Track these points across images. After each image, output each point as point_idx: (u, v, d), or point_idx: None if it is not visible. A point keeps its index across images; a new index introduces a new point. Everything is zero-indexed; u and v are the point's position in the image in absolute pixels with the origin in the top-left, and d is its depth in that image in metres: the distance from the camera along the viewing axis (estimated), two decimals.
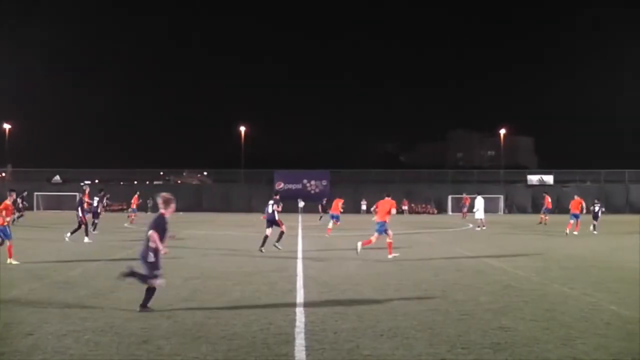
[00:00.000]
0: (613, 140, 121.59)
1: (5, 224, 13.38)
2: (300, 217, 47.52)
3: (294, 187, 62.85)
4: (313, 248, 18.24)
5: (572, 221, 24.44)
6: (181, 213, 45.98)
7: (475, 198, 30.44)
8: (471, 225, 32.25)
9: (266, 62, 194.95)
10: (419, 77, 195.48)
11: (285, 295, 9.56)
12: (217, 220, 38.82)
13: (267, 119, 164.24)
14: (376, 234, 15.23)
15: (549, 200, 37.08)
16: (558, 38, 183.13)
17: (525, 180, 62.96)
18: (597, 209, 26.83)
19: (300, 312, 8.12)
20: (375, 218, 15.49)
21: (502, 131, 71.54)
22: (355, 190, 58.77)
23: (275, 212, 17.42)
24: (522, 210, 59.21)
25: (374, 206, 15.85)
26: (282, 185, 63.25)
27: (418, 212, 58.63)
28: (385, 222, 15.17)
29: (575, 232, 24.03)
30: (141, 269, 7.98)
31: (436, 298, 9.33)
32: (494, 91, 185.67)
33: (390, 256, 14.87)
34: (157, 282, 7.93)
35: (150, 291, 8.01)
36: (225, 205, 59.34)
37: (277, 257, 15.30)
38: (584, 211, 25.59)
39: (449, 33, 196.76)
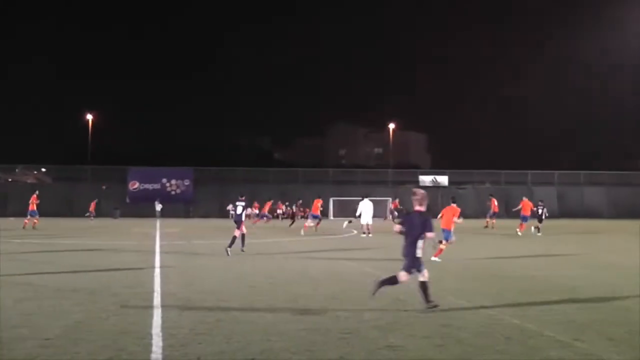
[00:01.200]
0: (516, 140, 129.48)
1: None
2: (158, 222, 46.29)
3: (151, 187, 61.35)
4: (173, 258, 17.69)
5: (523, 223, 27.61)
6: (12, 218, 43.29)
7: (361, 200, 31.08)
8: (355, 232, 32.86)
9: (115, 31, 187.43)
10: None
11: (138, 315, 9.10)
12: (57, 227, 36.81)
13: (119, 107, 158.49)
14: (444, 242, 17.43)
15: (496, 203, 39.33)
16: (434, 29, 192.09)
17: (417, 181, 64.92)
18: (540, 211, 29.85)
19: (157, 335, 7.78)
20: (441, 224, 17.38)
21: (391, 126, 73.71)
22: (222, 190, 58.27)
23: (244, 215, 19.65)
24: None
25: (440, 213, 18.27)
26: (136, 185, 61.42)
27: (294, 216, 59.12)
28: (450, 229, 17.54)
29: (519, 233, 27.13)
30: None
31: (315, 315, 9.25)
32: (382, 80, 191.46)
33: (434, 258, 16.74)
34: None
35: (424, 286, 9.42)
36: (67, 209, 56.62)
37: (130, 269, 14.77)
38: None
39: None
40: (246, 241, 19.59)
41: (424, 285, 9.56)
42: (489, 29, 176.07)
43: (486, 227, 37.21)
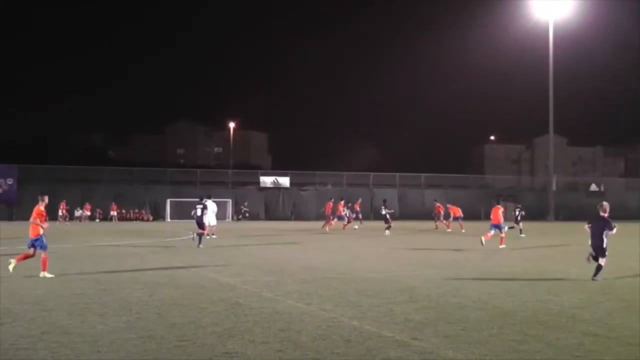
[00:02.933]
0: (358, 142, 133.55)
1: (42, 233, 14.13)
2: None
3: None
4: None
5: (491, 232, 24.59)
6: None
7: (203, 201, 30.76)
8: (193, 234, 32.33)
9: None
10: (134, 53, 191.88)
11: None
12: None
13: None
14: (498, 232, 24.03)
15: (442, 208, 42.24)
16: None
17: (258, 182, 64.99)
18: (517, 212, 32.69)
19: None
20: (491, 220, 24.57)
21: (231, 125, 73.38)
22: (51, 190, 55.22)
23: (204, 216, 23.53)
24: (253, 216, 60.89)
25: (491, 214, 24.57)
26: None
27: (130, 219, 57.43)
28: (499, 223, 24.32)
29: (502, 245, 23.96)
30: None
31: (150, 322, 9.01)
32: (223, 79, 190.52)
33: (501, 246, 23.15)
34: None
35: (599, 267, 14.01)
36: None
37: None
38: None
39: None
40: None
41: (599, 267, 14.11)
42: (333, 30, 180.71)
43: (436, 228, 40.57)
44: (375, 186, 66.66)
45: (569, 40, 76.85)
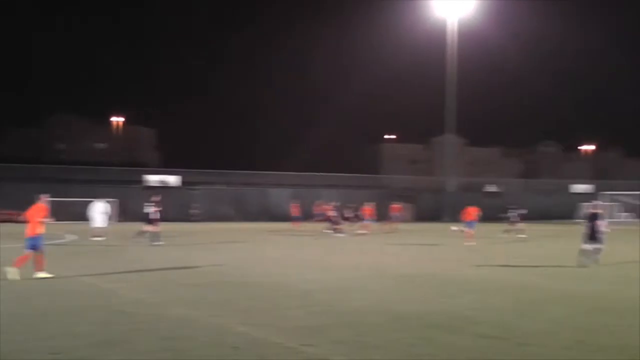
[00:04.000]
0: (251, 140, 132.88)
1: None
2: None
3: None
4: None
5: (467, 230, 29.29)
6: None
7: (93, 203, 30.40)
8: (75, 237, 31.37)
9: None
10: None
11: None
12: None
13: None
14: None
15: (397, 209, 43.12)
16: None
17: (144, 180, 63.56)
18: (508, 213, 34.55)
19: None
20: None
21: (117, 119, 71.43)
22: None
23: (154, 213, 25.17)
24: (138, 217, 59.43)
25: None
26: None
27: (4, 221, 54.93)
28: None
29: (472, 243, 27.73)
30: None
31: (20, 334, 8.63)
32: (110, 70, 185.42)
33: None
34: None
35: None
36: None
37: None
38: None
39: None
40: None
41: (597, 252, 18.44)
42: (220, 29, 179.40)
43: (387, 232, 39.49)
44: (270, 186, 66.55)
45: (469, 40, 79.15)
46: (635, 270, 17.37)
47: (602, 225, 18.78)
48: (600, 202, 20.54)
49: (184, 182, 63.39)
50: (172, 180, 63.23)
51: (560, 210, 76.95)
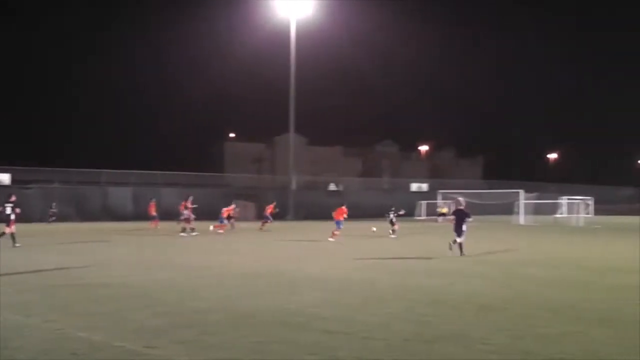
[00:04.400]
0: (91, 137, 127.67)
1: None
2: None
3: None
4: None
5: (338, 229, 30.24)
6: None
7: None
8: None
9: None
10: None
11: None
12: None
13: None
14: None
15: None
16: None
17: None
18: (391, 215, 34.76)
19: None
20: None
21: None
22: None
23: (10, 214, 24.62)
24: None
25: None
26: None
27: None
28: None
29: (331, 239, 29.07)
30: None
31: None
32: None
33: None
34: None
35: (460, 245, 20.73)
36: None
37: None
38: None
39: None
40: None
41: (461, 245, 20.94)
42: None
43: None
44: (108, 184, 64.44)
45: (311, 40, 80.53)
46: (474, 265, 18.38)
47: (468, 220, 21.31)
48: (462, 199, 22.40)
49: (15, 181, 60.05)
50: (3, 178, 59.70)
51: (399, 208, 79.95)
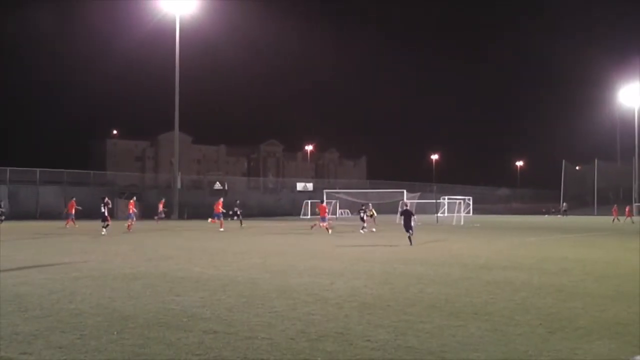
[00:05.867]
0: None
1: None
2: None
3: None
4: None
5: (323, 223, 36.40)
6: None
7: None
8: None
9: None
10: None
11: None
12: None
13: None
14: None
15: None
16: None
17: None
18: (362, 214, 38.33)
19: None
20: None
21: None
22: None
23: None
24: None
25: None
26: None
27: None
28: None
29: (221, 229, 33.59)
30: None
31: None
32: None
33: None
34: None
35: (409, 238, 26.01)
36: None
37: None
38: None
39: None
40: None
41: (409, 238, 25.80)
42: None
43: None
44: (14, 182, 61.43)
45: (196, 37, 79.75)
46: (356, 264, 18.70)
47: (414, 217, 27.14)
48: (408, 201, 27.64)
49: None
50: None
51: (284, 208, 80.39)
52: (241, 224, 44.99)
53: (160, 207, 41.45)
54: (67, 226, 41.38)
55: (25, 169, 63.56)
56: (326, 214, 38.70)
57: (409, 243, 25.67)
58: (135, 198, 41.90)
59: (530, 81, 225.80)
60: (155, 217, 50.15)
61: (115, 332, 8.79)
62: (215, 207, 41.16)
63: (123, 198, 39.49)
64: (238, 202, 47.09)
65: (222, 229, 38.29)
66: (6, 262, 18.82)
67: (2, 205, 51.32)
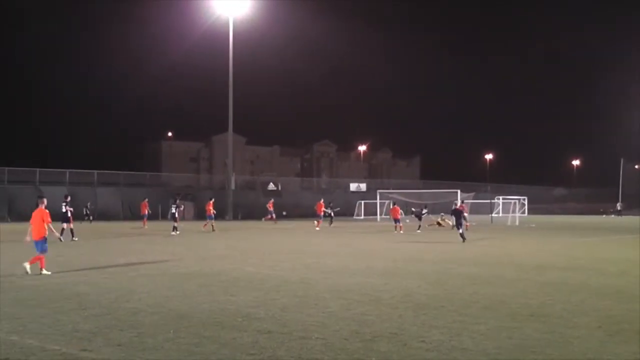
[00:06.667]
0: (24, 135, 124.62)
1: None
2: None
3: None
4: None
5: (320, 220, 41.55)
6: None
7: None
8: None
9: None
10: None
11: None
12: None
13: None
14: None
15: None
16: None
17: None
18: (330, 212, 43.97)
19: None
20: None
21: None
22: None
23: None
24: None
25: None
26: None
27: None
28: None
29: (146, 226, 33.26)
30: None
31: None
32: None
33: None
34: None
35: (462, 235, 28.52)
36: None
37: None
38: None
39: None
40: None
41: (462, 235, 28.59)
42: None
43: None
44: (43, 184, 62.77)
45: (249, 39, 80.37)
46: (410, 264, 18.59)
47: (464, 215, 31.33)
48: (458, 200, 28.80)
49: None
50: None
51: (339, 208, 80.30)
52: (331, 222, 46.75)
53: (210, 208, 41.51)
54: (145, 227, 42.19)
55: (84, 171, 64.89)
56: (399, 216, 39.95)
57: (461, 240, 27.66)
58: (213, 200, 42.19)
59: (587, 77, 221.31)
60: (264, 219, 53.14)
61: (171, 331, 8.93)
62: (317, 208, 44.34)
63: (178, 199, 39.88)
64: (331, 203, 48.83)
65: (317, 229, 40.77)
66: (75, 262, 19.22)
67: (89, 206, 52.73)
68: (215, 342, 8.29)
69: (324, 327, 9.23)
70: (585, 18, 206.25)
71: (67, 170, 63.86)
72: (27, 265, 15.55)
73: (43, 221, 15.98)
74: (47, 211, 16.26)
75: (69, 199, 29.96)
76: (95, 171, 65.91)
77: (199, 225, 41.87)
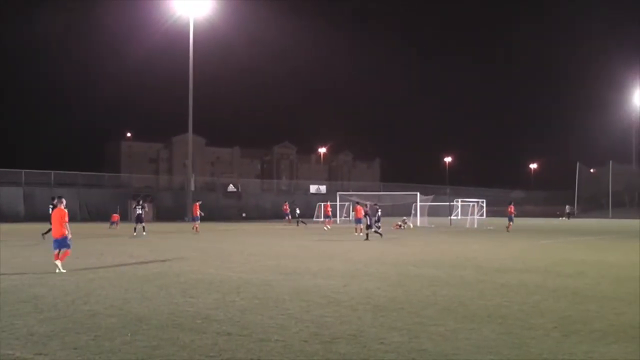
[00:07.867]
0: None
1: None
2: None
3: None
4: None
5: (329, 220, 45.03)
6: None
7: None
8: None
9: None
10: None
11: None
12: None
13: None
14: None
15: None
16: None
17: None
18: (297, 211, 49.73)
19: None
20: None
21: None
22: None
23: None
24: None
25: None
26: None
27: None
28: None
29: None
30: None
31: None
32: None
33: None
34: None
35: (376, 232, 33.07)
36: None
37: None
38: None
39: None
40: None
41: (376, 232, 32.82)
42: None
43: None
44: None
45: (210, 40, 79.92)
46: (369, 266, 18.66)
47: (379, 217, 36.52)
48: (370, 203, 30.22)
49: None
50: None
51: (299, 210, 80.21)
52: (297, 224, 49.59)
53: (197, 209, 40.39)
54: (196, 230, 39.81)
55: (40, 171, 63.85)
56: (361, 216, 40.24)
57: (379, 236, 32.37)
58: (200, 202, 41.30)
59: (545, 83, 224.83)
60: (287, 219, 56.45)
61: (129, 334, 8.83)
62: (324, 209, 47.55)
63: (141, 200, 39.24)
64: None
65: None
66: (32, 264, 18.88)
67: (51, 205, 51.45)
68: (173, 345, 8.23)
69: (284, 329, 9.22)
70: (543, 22, 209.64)
71: (23, 171, 62.70)
72: (59, 263, 16.46)
73: (63, 220, 16.89)
74: (65, 211, 17.20)
75: (55, 200, 29.19)
76: (52, 171, 64.85)
77: (159, 226, 41.48)
